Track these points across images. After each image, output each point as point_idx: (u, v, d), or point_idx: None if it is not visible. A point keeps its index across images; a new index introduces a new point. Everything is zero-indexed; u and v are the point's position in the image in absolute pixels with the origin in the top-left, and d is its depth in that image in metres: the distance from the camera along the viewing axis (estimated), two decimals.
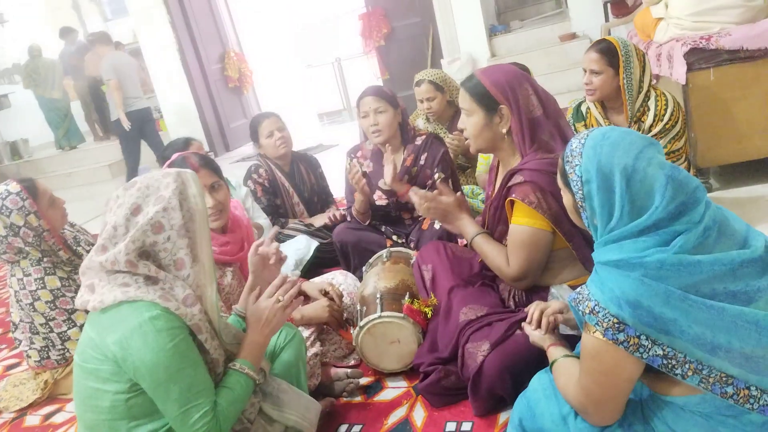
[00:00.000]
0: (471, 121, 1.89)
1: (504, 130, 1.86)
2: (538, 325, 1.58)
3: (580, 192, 1.24)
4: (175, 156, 2.20)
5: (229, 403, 1.45)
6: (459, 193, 2.08)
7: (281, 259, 1.81)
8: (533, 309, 1.61)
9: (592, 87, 2.66)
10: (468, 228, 2.01)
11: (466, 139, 1.95)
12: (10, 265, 2.46)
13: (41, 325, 2.46)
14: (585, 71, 2.68)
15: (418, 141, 2.88)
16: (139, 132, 6.58)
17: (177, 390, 1.36)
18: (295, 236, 3.17)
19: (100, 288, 1.41)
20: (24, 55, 8.82)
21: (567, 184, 1.30)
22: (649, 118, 2.64)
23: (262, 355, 1.62)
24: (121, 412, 1.40)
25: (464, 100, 1.90)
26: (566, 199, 1.35)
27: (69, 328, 2.46)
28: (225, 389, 1.47)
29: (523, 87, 1.84)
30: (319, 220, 3.33)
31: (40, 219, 2.39)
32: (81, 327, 2.45)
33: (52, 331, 2.46)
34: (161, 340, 1.34)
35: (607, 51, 2.60)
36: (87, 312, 1.46)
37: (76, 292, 2.38)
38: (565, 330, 1.62)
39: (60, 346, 2.50)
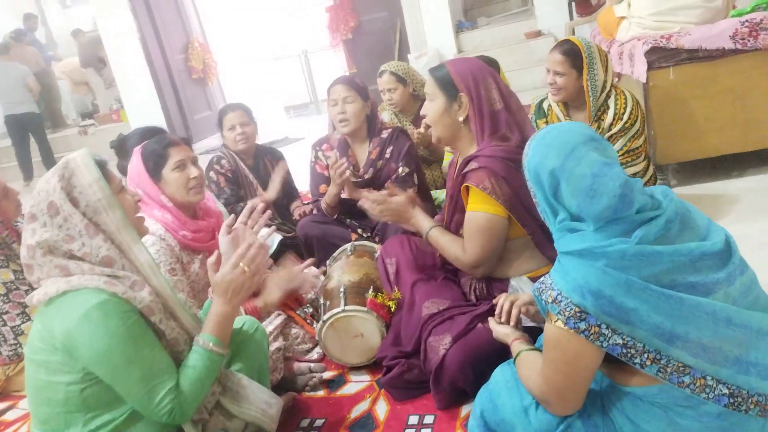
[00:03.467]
0: (432, 106, 1.93)
1: (461, 118, 1.89)
2: (508, 316, 1.58)
3: (532, 189, 1.31)
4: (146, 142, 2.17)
5: (192, 383, 1.40)
6: (409, 190, 2.10)
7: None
8: (503, 300, 1.61)
9: (556, 86, 2.68)
10: (422, 223, 2.03)
11: (428, 127, 1.97)
12: None
13: None
14: (548, 71, 2.70)
15: (384, 134, 2.86)
16: (22, 133, 7.34)
17: (138, 370, 1.33)
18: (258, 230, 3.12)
19: (44, 281, 1.38)
20: None
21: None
22: (608, 117, 2.68)
23: (231, 327, 1.55)
24: (76, 404, 1.36)
25: (429, 86, 1.94)
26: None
27: (23, 322, 2.39)
28: (187, 368, 1.42)
29: (487, 80, 1.87)
30: (272, 191, 3.26)
31: None
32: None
33: (5, 324, 2.39)
34: (112, 325, 1.31)
35: (571, 53, 2.62)
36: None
37: (30, 285, 2.32)
38: (526, 321, 1.63)
39: (12, 341, 2.42)
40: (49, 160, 7.44)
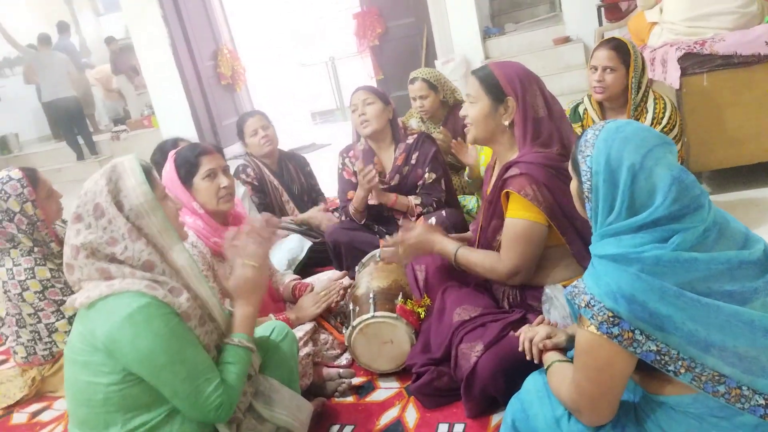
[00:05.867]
0: (475, 108, 1.90)
1: (506, 123, 1.87)
2: (531, 355, 1.55)
3: (589, 183, 1.24)
4: (182, 146, 2.23)
5: (235, 377, 1.46)
6: (421, 218, 2.11)
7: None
8: (522, 337, 1.58)
9: (603, 85, 2.62)
10: (447, 248, 2.01)
11: (465, 127, 1.97)
12: (0, 254, 2.44)
13: (29, 315, 2.44)
14: (596, 69, 2.63)
15: (410, 140, 2.88)
16: (67, 117, 8.04)
17: (184, 369, 1.37)
18: (287, 235, 3.15)
19: (86, 285, 1.41)
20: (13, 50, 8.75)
21: (576, 170, 1.30)
22: (647, 120, 2.64)
23: (254, 326, 1.63)
24: (116, 404, 1.39)
25: (472, 87, 1.91)
26: (573, 185, 1.35)
27: (57, 320, 2.44)
28: (227, 365, 1.48)
29: (533, 86, 1.86)
30: (312, 215, 3.29)
31: (36, 209, 2.39)
32: (69, 319, 2.44)
33: (40, 321, 2.45)
34: (155, 327, 1.34)
35: (620, 48, 2.59)
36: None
37: (65, 284, 2.39)
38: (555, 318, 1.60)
39: (47, 339, 2.48)
40: (91, 145, 8.32)
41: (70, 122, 8.15)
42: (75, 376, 1.42)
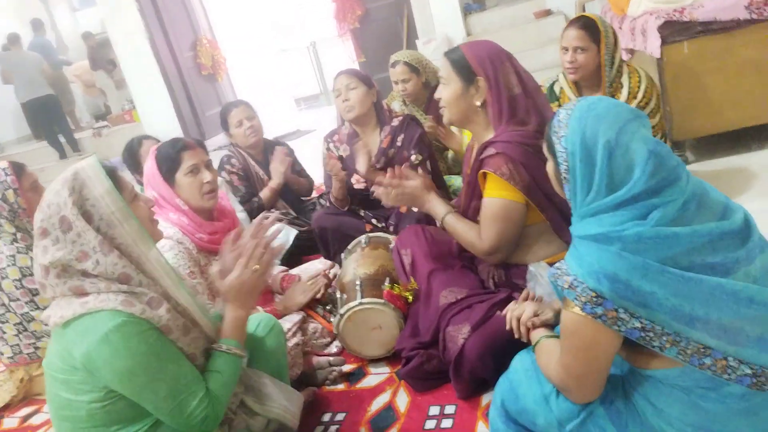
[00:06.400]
0: (447, 89, 1.89)
1: (478, 103, 1.86)
2: (520, 333, 1.54)
3: (565, 164, 1.23)
4: (146, 143, 2.19)
5: (221, 386, 1.42)
6: (422, 173, 2.06)
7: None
8: (509, 316, 1.57)
9: (575, 65, 2.58)
10: (438, 208, 1.99)
11: (440, 107, 1.94)
12: None
13: (2, 305, 2.43)
14: (567, 50, 2.60)
15: (395, 122, 2.85)
16: (45, 116, 8.05)
17: (165, 387, 1.33)
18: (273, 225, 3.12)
19: (59, 301, 1.35)
20: None
21: (551, 152, 1.28)
22: (622, 96, 2.62)
23: (246, 329, 1.58)
24: (100, 419, 1.36)
25: (444, 69, 1.90)
26: (549, 166, 1.33)
27: (32, 310, 2.43)
28: (214, 373, 1.43)
29: (504, 64, 1.84)
30: (277, 176, 3.25)
31: (18, 197, 2.40)
32: (44, 310, 2.39)
33: (13, 312, 2.43)
34: (133, 346, 1.29)
35: (589, 26, 2.54)
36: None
37: None
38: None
39: (26, 332, 2.46)
40: (73, 143, 8.36)
41: (50, 121, 8.13)
42: (56, 392, 1.38)
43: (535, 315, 1.52)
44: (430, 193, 2.03)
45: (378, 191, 2.05)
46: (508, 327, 1.56)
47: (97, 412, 1.35)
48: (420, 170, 2.19)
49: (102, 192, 1.36)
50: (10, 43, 7.99)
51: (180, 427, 1.38)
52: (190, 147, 2.11)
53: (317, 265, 2.59)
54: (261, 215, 2.06)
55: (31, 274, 2.40)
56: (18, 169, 2.44)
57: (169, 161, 2.08)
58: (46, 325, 2.35)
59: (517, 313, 1.55)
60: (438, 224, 2.02)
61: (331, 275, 2.43)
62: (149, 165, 2.11)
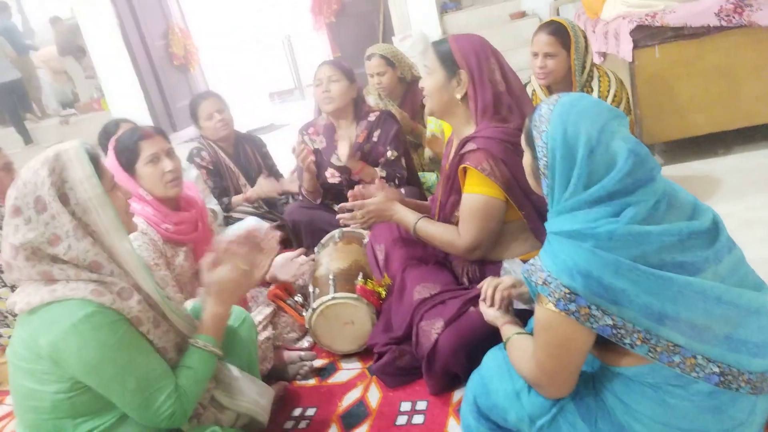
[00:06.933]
0: (430, 79, 1.90)
1: (459, 96, 1.86)
2: (492, 301, 1.57)
3: (545, 159, 1.23)
4: (124, 127, 2.13)
5: (193, 383, 1.40)
6: (380, 183, 2.09)
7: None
8: (486, 285, 1.59)
9: (545, 71, 2.57)
10: (407, 218, 2.00)
11: (422, 104, 1.97)
12: None
13: None
14: (537, 55, 2.58)
15: (372, 117, 2.84)
16: (11, 100, 8.02)
17: (133, 379, 1.30)
18: (244, 218, 3.09)
19: (26, 287, 1.31)
20: None
21: (530, 145, 1.28)
22: None
23: (224, 327, 1.55)
24: (64, 411, 1.33)
25: (429, 58, 1.91)
26: (526, 159, 1.34)
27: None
28: (186, 369, 1.41)
29: (489, 60, 1.84)
30: (258, 190, 3.21)
31: None
32: (12, 288, 2.34)
33: None
34: (102, 337, 1.27)
35: (559, 32, 2.53)
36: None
37: None
38: (518, 305, 1.62)
39: None
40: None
41: (15, 106, 8.03)
42: (20, 382, 1.35)
43: (513, 287, 1.54)
44: (395, 204, 2.04)
45: (345, 218, 2.06)
46: (482, 297, 1.57)
47: (62, 403, 1.32)
48: (378, 181, 2.19)
49: (82, 176, 1.33)
50: None
51: (146, 422, 1.36)
52: (147, 136, 2.05)
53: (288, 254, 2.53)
54: (254, 226, 2.02)
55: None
56: None
57: (128, 152, 2.03)
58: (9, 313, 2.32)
59: (495, 282, 1.57)
60: (411, 232, 2.01)
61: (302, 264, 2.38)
62: (109, 156, 2.06)
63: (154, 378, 1.34)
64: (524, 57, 5.90)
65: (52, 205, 1.29)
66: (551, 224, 1.22)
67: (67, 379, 1.30)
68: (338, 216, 2.09)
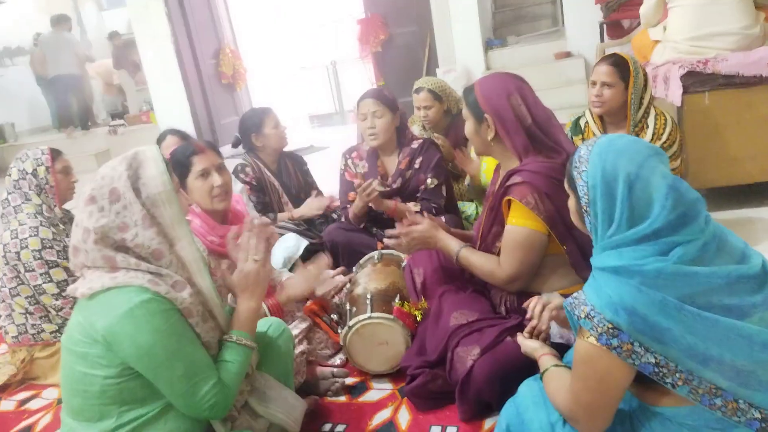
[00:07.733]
0: (466, 126, 1.99)
1: (490, 137, 1.92)
2: (539, 320, 1.57)
3: (586, 197, 1.25)
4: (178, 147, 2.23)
5: (232, 376, 1.45)
6: (421, 212, 2.12)
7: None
8: (534, 303, 1.60)
9: (602, 99, 2.66)
10: (450, 245, 2.03)
11: (466, 138, 2.04)
12: (8, 217, 2.49)
13: (14, 278, 2.46)
14: (595, 84, 2.67)
15: (414, 144, 2.88)
16: (65, 92, 8.62)
17: (181, 366, 1.36)
18: (284, 234, 3.14)
19: (89, 274, 1.40)
20: (17, 39, 8.78)
21: (573, 188, 1.31)
22: (647, 136, 2.66)
23: (257, 321, 1.62)
24: (112, 397, 1.38)
25: (463, 106, 2.00)
26: (571, 202, 1.36)
27: (44, 282, 2.44)
28: (225, 363, 1.47)
29: (512, 97, 1.87)
30: (304, 211, 3.27)
31: (48, 174, 2.52)
32: (58, 284, 2.44)
33: (27, 284, 2.46)
34: (155, 323, 1.33)
35: (619, 64, 2.62)
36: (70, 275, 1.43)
37: (63, 249, 2.45)
38: (555, 338, 1.62)
39: (35, 316, 2.48)
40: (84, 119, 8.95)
41: (69, 101, 8.60)
42: (72, 366, 1.41)
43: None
44: (439, 231, 2.07)
45: (390, 243, 2.11)
46: (529, 314, 1.59)
47: (110, 388, 1.37)
48: (425, 214, 2.24)
49: (155, 173, 1.43)
50: (54, 23, 8.41)
51: (189, 411, 1.40)
52: (200, 151, 2.16)
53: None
54: (248, 218, 2.08)
55: (51, 247, 2.44)
56: (55, 152, 2.60)
57: (180, 166, 2.14)
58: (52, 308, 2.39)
59: (544, 300, 1.58)
60: (453, 260, 2.03)
61: (341, 284, 2.44)
62: None
63: (200, 367, 1.39)
64: (567, 97, 5.96)
65: (126, 195, 1.39)
66: (596, 260, 1.23)
67: (118, 364, 1.35)
68: (385, 241, 2.13)
